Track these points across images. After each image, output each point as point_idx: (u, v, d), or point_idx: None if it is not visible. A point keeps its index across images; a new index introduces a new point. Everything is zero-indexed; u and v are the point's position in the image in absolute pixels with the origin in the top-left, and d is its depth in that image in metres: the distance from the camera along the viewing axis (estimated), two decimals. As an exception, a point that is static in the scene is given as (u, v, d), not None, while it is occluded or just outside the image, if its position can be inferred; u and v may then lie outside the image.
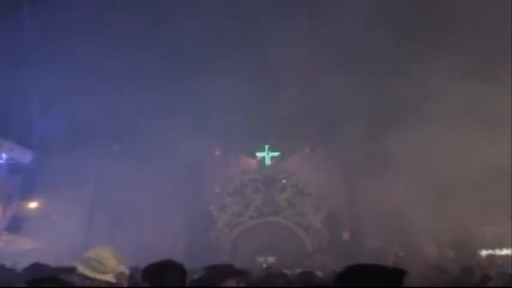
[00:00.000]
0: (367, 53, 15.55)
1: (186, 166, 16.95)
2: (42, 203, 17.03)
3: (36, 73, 15.06)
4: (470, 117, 12.55)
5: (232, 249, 17.87)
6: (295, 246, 17.74)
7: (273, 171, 19.42)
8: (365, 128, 15.91)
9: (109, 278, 2.89)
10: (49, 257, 7.75)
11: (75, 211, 16.39)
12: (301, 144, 18.95)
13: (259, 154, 19.69)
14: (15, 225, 15.87)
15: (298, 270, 6.12)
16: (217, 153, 19.42)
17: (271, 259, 16.75)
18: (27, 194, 16.84)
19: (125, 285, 3.12)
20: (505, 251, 14.01)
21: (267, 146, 19.54)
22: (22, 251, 13.61)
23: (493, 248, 14.42)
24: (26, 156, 16.76)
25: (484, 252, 14.19)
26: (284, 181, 19.19)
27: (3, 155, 16.34)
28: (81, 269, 2.92)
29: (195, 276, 3.91)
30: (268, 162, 19.60)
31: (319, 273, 6.77)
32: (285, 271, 6.56)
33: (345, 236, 18.19)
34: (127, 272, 3.13)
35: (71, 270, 4.52)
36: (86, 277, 2.90)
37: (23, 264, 4.86)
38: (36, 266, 4.50)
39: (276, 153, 19.64)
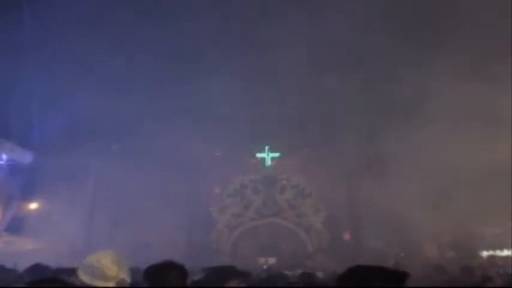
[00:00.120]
0: (367, 53, 15.56)
1: (186, 167, 16.95)
2: (42, 204, 17.04)
3: (37, 73, 15.07)
4: (470, 117, 12.56)
5: (232, 250, 17.86)
6: (295, 247, 17.72)
7: (273, 172, 19.41)
8: (365, 128, 15.93)
9: (110, 285, 2.87)
10: (49, 257, 7.76)
11: (76, 211, 16.40)
12: (302, 144, 18.94)
13: (259, 155, 19.67)
14: (16, 226, 15.87)
15: (299, 271, 6.13)
16: (217, 153, 19.41)
17: (271, 260, 16.74)
18: (27, 194, 16.84)
19: None
20: (505, 252, 14.01)
21: (267, 147, 19.53)
22: (22, 251, 13.62)
23: (494, 248, 14.42)
24: (26, 157, 16.77)
25: (484, 253, 14.19)
26: (284, 182, 19.17)
27: (4, 156, 16.34)
28: (82, 275, 2.90)
29: (195, 277, 3.91)
30: (268, 163, 19.59)
31: (319, 274, 6.78)
32: (285, 272, 6.56)
33: (346, 236, 18.18)
34: (128, 279, 3.11)
35: (72, 271, 4.52)
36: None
37: (23, 265, 4.86)
38: (36, 267, 4.50)
39: (276, 154, 19.62)
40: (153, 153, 16.32)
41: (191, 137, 15.03)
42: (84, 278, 2.87)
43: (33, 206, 17.08)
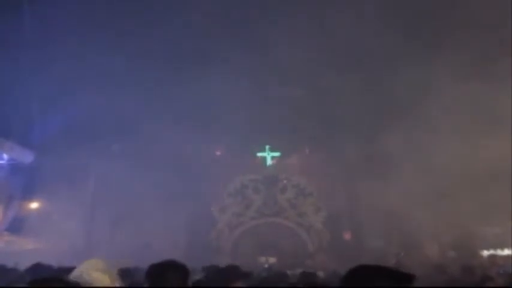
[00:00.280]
0: (367, 53, 15.55)
1: (186, 166, 16.95)
2: (43, 203, 17.06)
3: (37, 73, 15.08)
4: (470, 117, 12.55)
5: (233, 250, 17.86)
6: (296, 247, 17.72)
7: (273, 171, 19.41)
8: (365, 128, 15.92)
9: None
10: (50, 257, 7.76)
11: (76, 211, 16.41)
12: (302, 144, 18.94)
13: (260, 154, 19.68)
14: (16, 225, 15.90)
15: (299, 271, 6.12)
16: (217, 153, 19.41)
17: (272, 259, 16.73)
18: (28, 194, 16.87)
19: None
20: (506, 251, 14.00)
21: (267, 146, 19.53)
22: (23, 251, 13.63)
23: (494, 248, 14.41)
24: (26, 157, 16.79)
25: (485, 253, 14.19)
26: (285, 181, 19.17)
27: (4, 156, 16.36)
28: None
29: (196, 277, 3.91)
30: (269, 162, 19.59)
31: (320, 274, 6.78)
32: (285, 271, 6.55)
33: (346, 236, 18.17)
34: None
35: (72, 270, 4.53)
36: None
37: (24, 264, 4.86)
38: (37, 266, 4.50)
39: (277, 154, 19.63)
40: (153, 153, 16.33)
41: (192, 136, 15.04)
42: None
43: (33, 205, 17.10)
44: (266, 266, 14.00)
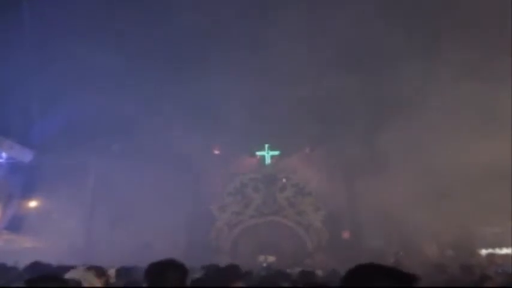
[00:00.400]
0: (367, 52, 15.54)
1: (186, 165, 16.96)
2: (42, 202, 17.06)
3: (37, 73, 15.06)
4: (470, 117, 12.56)
5: (232, 249, 17.87)
6: (295, 246, 17.73)
7: (273, 170, 19.41)
8: (365, 127, 15.92)
9: None
10: (49, 255, 7.76)
11: (75, 210, 16.41)
12: (301, 143, 18.93)
13: (259, 153, 19.68)
14: (16, 224, 15.89)
15: (298, 269, 6.13)
16: (217, 152, 19.41)
17: (271, 258, 16.74)
18: (27, 193, 16.86)
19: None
20: (504, 251, 14.02)
21: (267, 145, 19.53)
22: (22, 249, 13.63)
23: (493, 247, 14.43)
24: (26, 155, 16.78)
25: (484, 252, 14.20)
26: (284, 180, 19.18)
27: (4, 154, 16.35)
28: None
29: (195, 275, 3.92)
30: (268, 161, 19.60)
31: (319, 272, 6.78)
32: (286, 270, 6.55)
33: (345, 235, 18.18)
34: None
35: (71, 269, 4.54)
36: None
37: (23, 263, 4.86)
38: (36, 265, 4.51)
39: (276, 152, 19.63)
40: (153, 152, 16.32)
41: (191, 135, 15.04)
42: None
43: (33, 204, 17.09)
44: (265, 265, 14.01)
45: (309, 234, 18.00)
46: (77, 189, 16.23)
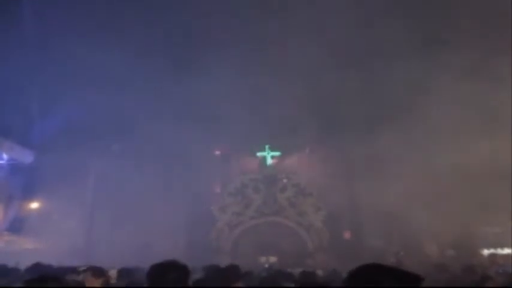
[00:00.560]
0: (367, 53, 15.55)
1: (186, 166, 16.95)
2: (43, 203, 17.06)
3: (37, 73, 15.07)
4: (470, 117, 12.55)
5: (233, 249, 17.86)
6: (296, 246, 17.72)
7: (273, 170, 19.42)
8: (365, 128, 15.91)
9: None
10: (50, 256, 7.77)
11: (76, 211, 16.42)
12: (302, 143, 18.93)
13: (260, 154, 19.68)
14: (17, 225, 15.90)
15: (299, 270, 6.12)
16: (217, 152, 19.41)
17: (272, 258, 16.75)
18: (28, 194, 16.87)
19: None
20: (506, 251, 14.00)
21: (267, 146, 19.53)
22: (23, 250, 13.63)
23: (494, 247, 14.42)
24: (26, 157, 16.79)
25: (485, 252, 14.19)
26: (285, 181, 19.18)
27: (4, 156, 16.36)
28: None
29: (196, 276, 3.91)
30: (269, 161, 19.60)
31: (320, 272, 6.78)
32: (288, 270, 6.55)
33: (346, 235, 18.18)
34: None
35: (72, 270, 4.54)
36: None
37: (25, 264, 4.87)
38: (37, 266, 4.51)
39: (277, 153, 19.63)
40: (153, 152, 16.33)
41: (192, 136, 15.03)
42: None
43: (33, 205, 17.10)
44: (266, 265, 14.00)
45: (309, 234, 17.99)
46: (78, 190, 16.23)
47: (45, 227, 14.96)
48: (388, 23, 13.83)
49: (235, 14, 15.73)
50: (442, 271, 6.09)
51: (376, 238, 16.95)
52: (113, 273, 5.08)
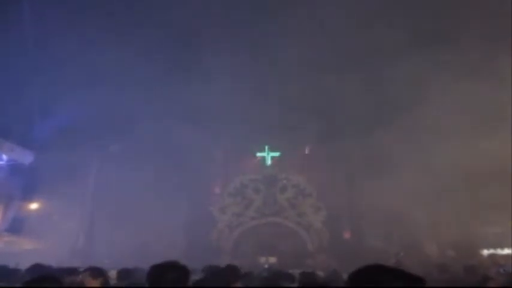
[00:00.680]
0: (367, 52, 15.54)
1: (186, 166, 16.93)
2: (42, 204, 17.05)
3: (37, 73, 15.07)
4: (470, 117, 12.55)
5: (233, 250, 17.84)
6: (296, 246, 17.70)
7: (273, 171, 19.40)
8: (365, 127, 15.91)
9: None
10: (50, 257, 7.76)
11: (76, 211, 16.41)
12: (302, 144, 18.93)
13: (259, 154, 19.67)
14: (17, 226, 15.88)
15: (298, 271, 6.11)
16: (217, 153, 19.39)
17: (272, 259, 16.72)
18: (28, 194, 16.85)
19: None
20: (506, 251, 13.99)
21: (267, 146, 19.52)
22: (23, 251, 13.62)
23: (494, 247, 14.40)
24: (26, 157, 16.77)
25: (485, 252, 14.18)
26: (285, 181, 19.16)
27: (4, 156, 16.35)
28: None
29: (196, 277, 3.90)
30: (268, 162, 19.59)
31: (320, 273, 6.77)
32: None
33: (346, 235, 18.16)
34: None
35: (72, 270, 4.54)
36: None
37: (24, 264, 4.86)
38: (37, 267, 4.50)
39: (277, 153, 19.62)
40: (153, 153, 16.31)
41: (192, 136, 15.02)
42: None
43: (33, 206, 17.09)
44: (266, 266, 13.98)
45: (309, 234, 17.97)
46: (77, 190, 16.22)
47: (45, 228, 14.94)
48: (388, 22, 13.85)
49: (236, 15, 15.73)
50: (442, 271, 6.09)
51: (376, 238, 16.93)
52: (112, 273, 5.07)
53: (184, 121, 15.07)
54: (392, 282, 1.52)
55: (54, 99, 15.64)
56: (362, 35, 14.93)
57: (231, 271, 3.87)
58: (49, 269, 4.69)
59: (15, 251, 13.75)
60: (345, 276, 1.68)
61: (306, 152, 19.28)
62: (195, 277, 3.84)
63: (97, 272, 4.19)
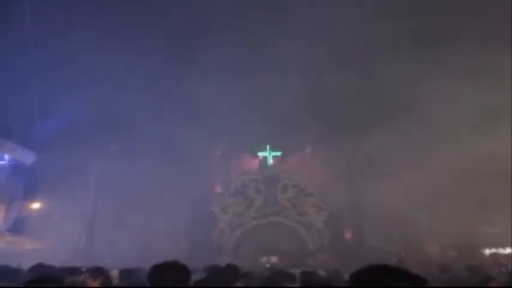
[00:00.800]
0: (368, 52, 15.53)
1: (187, 166, 16.95)
2: (44, 204, 17.08)
3: (37, 73, 15.09)
4: (470, 117, 12.54)
5: (234, 249, 17.86)
6: (297, 246, 17.71)
7: (274, 171, 19.41)
8: (366, 127, 15.91)
9: None
10: (52, 257, 7.77)
11: (77, 211, 16.43)
12: (303, 144, 18.93)
13: (260, 154, 19.67)
14: (18, 226, 15.91)
15: (299, 270, 6.11)
16: (218, 153, 19.40)
17: (273, 258, 16.73)
18: (29, 194, 16.88)
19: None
20: (507, 250, 13.97)
21: (268, 146, 19.52)
22: (25, 251, 13.64)
23: (495, 247, 14.39)
24: (28, 157, 16.80)
25: (486, 251, 14.16)
26: (286, 181, 19.16)
27: (6, 156, 16.38)
28: None
29: (197, 277, 3.91)
30: (269, 162, 19.59)
31: (321, 273, 6.76)
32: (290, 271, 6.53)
33: (347, 235, 18.16)
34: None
35: (74, 270, 4.54)
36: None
37: (26, 264, 4.87)
38: (39, 267, 4.51)
39: (278, 153, 19.62)
40: (154, 152, 16.33)
41: (192, 136, 15.03)
42: None
43: (35, 206, 17.12)
44: (267, 265, 13.99)
45: (310, 234, 17.98)
46: (79, 190, 16.25)
47: (47, 228, 14.97)
48: (388, 22, 13.83)
49: (236, 13, 15.73)
50: (444, 271, 6.08)
51: (377, 238, 16.93)
52: (114, 273, 5.08)
53: (185, 121, 15.08)
54: (394, 282, 1.52)
55: (55, 99, 15.67)
56: (363, 34, 14.93)
57: (231, 271, 3.88)
58: (51, 268, 4.70)
59: (17, 251, 13.77)
60: (347, 276, 1.69)
61: (307, 152, 19.28)
62: (196, 277, 3.85)
63: (98, 272, 4.20)
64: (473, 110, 12.41)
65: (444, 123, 13.69)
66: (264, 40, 15.68)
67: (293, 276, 4.53)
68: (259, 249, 17.33)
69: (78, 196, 16.31)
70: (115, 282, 4.70)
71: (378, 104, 15.74)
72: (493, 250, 13.96)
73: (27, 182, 16.68)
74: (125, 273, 4.87)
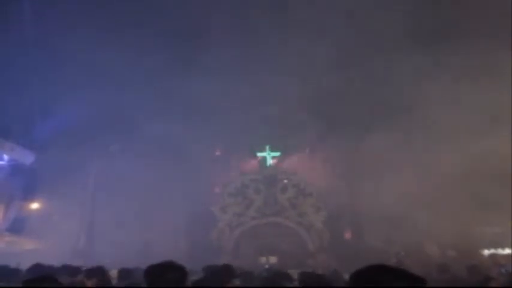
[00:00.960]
0: (367, 52, 15.53)
1: (187, 166, 16.95)
2: (43, 204, 17.07)
3: (37, 73, 15.08)
4: (470, 117, 12.53)
5: (234, 250, 17.85)
6: (296, 246, 17.71)
7: (274, 171, 19.40)
8: (366, 128, 15.91)
9: None
10: (51, 257, 7.77)
11: (77, 211, 16.43)
12: (302, 144, 18.92)
13: (260, 154, 19.66)
14: (18, 226, 15.91)
15: (298, 271, 6.10)
16: (218, 153, 19.40)
17: (273, 259, 16.72)
18: (29, 194, 16.88)
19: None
20: (507, 251, 13.97)
21: (267, 146, 19.52)
22: (24, 251, 13.63)
23: (494, 247, 14.39)
24: (27, 157, 16.79)
25: (486, 252, 14.16)
26: (285, 181, 19.15)
27: (5, 156, 16.37)
28: None
29: (195, 277, 3.91)
30: (269, 162, 19.58)
31: (321, 273, 6.75)
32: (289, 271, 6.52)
33: (346, 235, 18.15)
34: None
35: (74, 270, 4.54)
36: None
37: (26, 265, 4.87)
38: (38, 267, 4.51)
39: (277, 153, 19.61)
40: (153, 152, 16.33)
41: (193, 136, 15.03)
42: None
43: (34, 206, 17.12)
44: (267, 266, 13.98)
45: (310, 234, 17.97)
46: (78, 190, 16.24)
47: (46, 228, 14.97)
48: (388, 22, 13.83)
49: (236, 13, 15.73)
50: (443, 271, 6.08)
51: (376, 238, 16.92)
52: (113, 273, 5.08)
53: (185, 121, 15.08)
54: (393, 282, 1.52)
55: (55, 99, 15.66)
56: (363, 34, 14.93)
57: (226, 271, 3.87)
58: (50, 268, 4.69)
59: (16, 251, 13.76)
60: (346, 276, 1.68)
61: (307, 152, 19.28)
62: (193, 277, 3.85)
63: (98, 271, 4.20)
64: (473, 110, 12.40)
65: (444, 123, 13.68)
66: (264, 40, 15.69)
67: (291, 277, 4.53)
68: (258, 250, 17.32)
69: (77, 196, 16.31)
70: (114, 282, 4.70)
71: (378, 104, 15.75)
72: (492, 251, 13.97)
73: (26, 182, 16.68)
74: (124, 273, 4.87)
